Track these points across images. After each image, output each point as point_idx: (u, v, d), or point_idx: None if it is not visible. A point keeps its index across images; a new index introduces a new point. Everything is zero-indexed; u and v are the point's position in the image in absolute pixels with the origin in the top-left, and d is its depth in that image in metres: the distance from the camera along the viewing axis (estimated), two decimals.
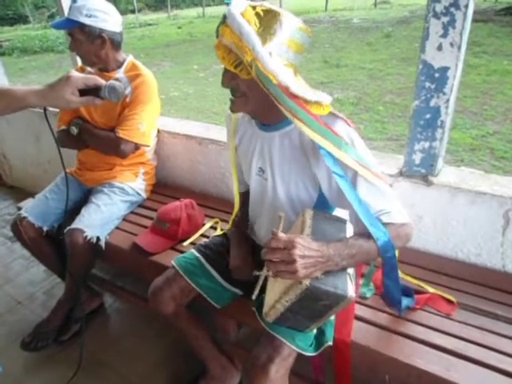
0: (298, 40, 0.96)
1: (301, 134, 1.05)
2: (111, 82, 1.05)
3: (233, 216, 1.48)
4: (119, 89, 1.06)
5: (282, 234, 0.86)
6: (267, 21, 0.92)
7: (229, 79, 1.01)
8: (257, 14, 0.93)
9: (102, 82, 1.05)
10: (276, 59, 0.92)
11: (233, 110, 1.09)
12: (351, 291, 0.87)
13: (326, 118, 0.99)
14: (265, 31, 0.91)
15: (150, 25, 16.79)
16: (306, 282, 0.84)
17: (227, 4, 0.93)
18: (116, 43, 1.73)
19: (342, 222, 1.00)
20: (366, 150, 1.03)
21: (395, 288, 1.13)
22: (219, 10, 18.25)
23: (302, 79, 1.01)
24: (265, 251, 0.87)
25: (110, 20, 1.67)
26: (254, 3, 0.95)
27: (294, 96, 0.93)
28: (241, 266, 1.27)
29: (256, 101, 1.02)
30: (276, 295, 0.93)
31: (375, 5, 14.12)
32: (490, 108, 4.70)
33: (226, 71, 1.01)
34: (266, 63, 0.90)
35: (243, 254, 1.30)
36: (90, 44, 1.67)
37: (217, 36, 0.97)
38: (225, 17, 0.93)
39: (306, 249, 0.84)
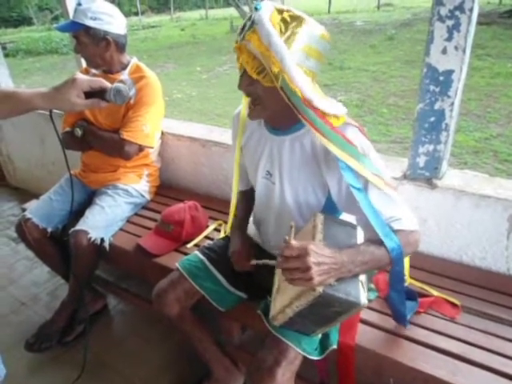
0: (319, 48, 0.96)
1: (313, 140, 1.05)
2: (117, 84, 1.05)
3: (230, 215, 1.48)
4: (125, 91, 1.06)
5: (294, 242, 0.86)
6: (293, 28, 0.91)
7: (246, 84, 1.00)
8: (283, 20, 0.91)
9: (107, 84, 1.05)
10: (298, 69, 0.92)
11: (251, 117, 1.09)
12: (364, 298, 0.87)
13: (340, 127, 0.99)
14: (289, 38, 0.91)
15: (153, 27, 16.86)
16: (320, 289, 0.83)
17: (256, 9, 0.91)
18: (120, 45, 1.74)
19: (353, 227, 0.99)
20: (377, 158, 1.03)
21: (401, 301, 1.12)
22: (222, 13, 18.31)
23: (318, 87, 1.01)
24: (280, 261, 0.86)
25: (114, 22, 1.68)
26: (281, 7, 0.93)
27: (315, 108, 0.94)
28: (239, 254, 1.26)
29: (272, 108, 1.02)
30: (286, 300, 0.92)
31: (378, 7, 14.12)
32: (494, 110, 4.69)
33: (244, 74, 1.00)
34: (293, 77, 0.90)
35: (243, 242, 1.30)
36: (95, 46, 1.68)
37: (241, 39, 0.94)
38: (252, 21, 0.91)
39: (319, 256, 0.83)
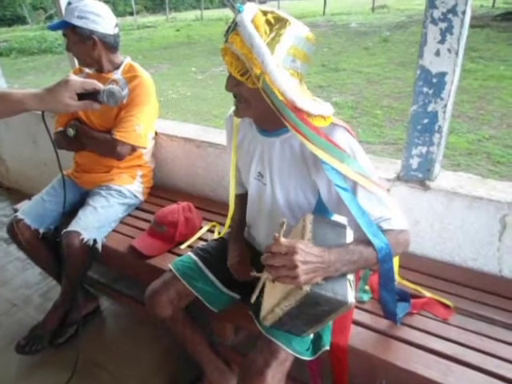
0: (305, 50, 0.96)
1: (302, 142, 1.05)
2: (110, 86, 1.05)
3: (229, 217, 1.48)
4: (118, 93, 1.06)
5: (283, 239, 0.86)
6: (277, 29, 0.91)
7: (232, 85, 1.01)
8: (267, 22, 0.91)
9: (100, 86, 1.04)
10: (282, 71, 0.92)
11: (236, 114, 1.10)
12: (351, 297, 0.87)
13: (327, 128, 1.00)
14: (274, 40, 0.91)
15: (148, 27, 16.80)
16: (307, 288, 0.84)
17: (239, 11, 0.91)
18: (109, 45, 1.73)
19: (342, 227, 1.00)
20: (366, 158, 1.03)
21: (391, 300, 1.13)
22: (217, 13, 18.31)
23: (306, 88, 1.01)
24: (266, 256, 0.86)
25: (101, 22, 1.67)
26: (265, 9, 0.94)
27: (298, 110, 0.94)
28: (239, 265, 1.26)
29: (259, 109, 1.02)
30: (275, 300, 0.92)
31: (373, 9, 14.18)
32: (487, 113, 4.73)
33: (230, 75, 1.00)
34: (274, 78, 0.90)
35: (241, 253, 1.30)
36: (83, 45, 1.69)
37: (225, 40, 0.95)
38: (236, 24, 0.92)
39: (307, 254, 0.84)
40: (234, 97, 1.04)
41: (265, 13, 0.92)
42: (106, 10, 1.70)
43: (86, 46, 1.68)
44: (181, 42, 11.96)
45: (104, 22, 1.68)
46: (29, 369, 1.70)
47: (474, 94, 5.24)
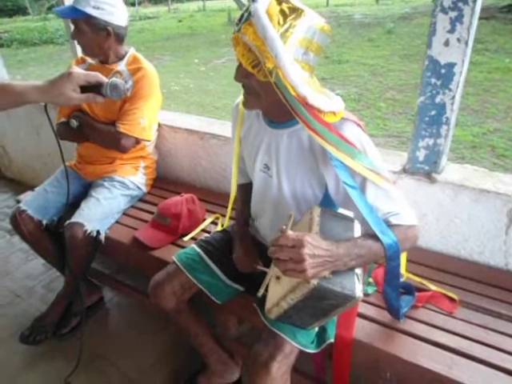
0: (319, 42, 0.93)
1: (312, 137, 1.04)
2: (113, 79, 1.04)
3: (229, 208, 1.46)
4: (121, 87, 1.04)
5: (290, 232, 0.84)
6: (291, 20, 0.88)
7: (242, 75, 0.98)
8: (281, 11, 0.88)
9: (103, 79, 1.03)
10: (294, 64, 0.90)
11: (245, 106, 1.08)
12: (359, 291, 0.86)
13: (337, 123, 0.98)
14: (287, 31, 0.88)
15: (150, 18, 16.69)
16: (314, 282, 0.82)
17: (253, 0, 0.88)
18: (120, 37, 1.72)
19: (350, 220, 0.98)
20: (376, 152, 1.02)
21: (395, 296, 1.12)
22: (220, 4, 18.14)
23: (316, 81, 1.00)
24: (273, 249, 0.85)
25: (116, 13, 1.65)
26: None
27: (310, 106, 0.92)
28: (244, 257, 1.26)
29: (268, 101, 1.00)
30: (281, 293, 0.91)
31: (377, 0, 14.02)
32: (491, 105, 4.69)
33: (240, 66, 0.98)
34: (287, 73, 0.88)
35: (246, 245, 1.29)
36: (95, 36, 1.65)
37: (238, 30, 0.92)
38: (249, 13, 0.89)
39: (315, 248, 0.82)
40: (243, 87, 1.02)
41: (279, 2, 0.89)
42: (119, 1, 1.68)
43: (98, 37, 1.65)
44: (183, 33, 11.88)
45: (118, 13, 1.66)
46: (32, 359, 1.71)
47: (479, 87, 5.20)
